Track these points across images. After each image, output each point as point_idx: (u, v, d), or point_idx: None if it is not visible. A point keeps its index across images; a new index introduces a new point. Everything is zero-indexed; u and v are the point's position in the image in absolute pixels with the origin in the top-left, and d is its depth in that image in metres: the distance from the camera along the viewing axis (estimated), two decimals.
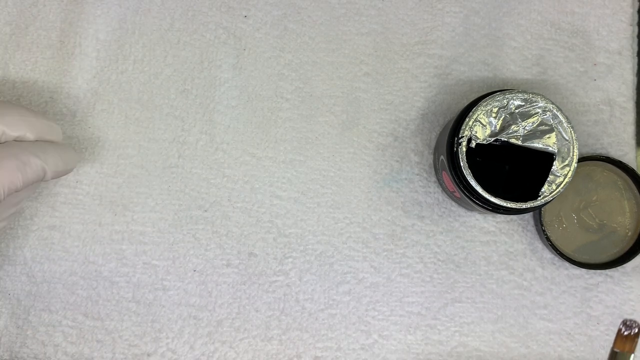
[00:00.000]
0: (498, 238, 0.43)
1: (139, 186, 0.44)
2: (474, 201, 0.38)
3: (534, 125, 0.37)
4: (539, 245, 0.43)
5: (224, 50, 0.45)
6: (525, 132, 0.37)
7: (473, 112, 0.37)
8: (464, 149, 0.37)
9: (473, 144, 0.37)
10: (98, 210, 0.43)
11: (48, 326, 0.42)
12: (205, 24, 0.46)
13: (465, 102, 0.40)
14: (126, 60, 0.45)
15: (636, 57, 0.45)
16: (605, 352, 0.42)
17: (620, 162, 0.42)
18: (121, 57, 0.45)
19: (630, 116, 0.44)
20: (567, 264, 0.42)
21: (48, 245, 0.43)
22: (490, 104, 0.37)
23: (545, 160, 0.37)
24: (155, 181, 0.44)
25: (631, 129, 0.44)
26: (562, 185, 0.37)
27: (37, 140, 0.37)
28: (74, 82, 0.45)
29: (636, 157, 0.44)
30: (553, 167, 0.37)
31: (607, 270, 0.43)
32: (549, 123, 0.37)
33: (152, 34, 0.45)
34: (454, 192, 0.40)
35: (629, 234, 0.42)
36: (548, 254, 0.43)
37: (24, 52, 0.45)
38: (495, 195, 0.37)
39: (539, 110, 0.37)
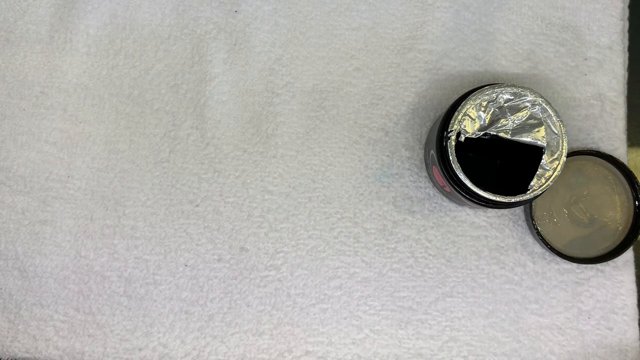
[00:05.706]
0: (489, 233, 0.43)
1: (130, 181, 0.44)
2: (463, 195, 0.38)
3: (523, 119, 0.37)
4: (530, 239, 0.43)
5: (215, 45, 0.45)
6: (515, 125, 0.37)
7: (462, 106, 0.37)
8: (453, 143, 0.37)
9: (462, 138, 0.37)
10: (89, 205, 0.43)
11: (39, 320, 0.42)
12: (196, 19, 0.46)
13: (456, 97, 0.40)
14: (117, 56, 0.45)
15: (627, 52, 0.45)
16: (597, 346, 0.42)
17: (611, 156, 0.42)
18: (112, 52, 0.45)
19: (621, 111, 0.44)
20: (558, 258, 0.42)
21: (39, 240, 0.43)
22: (479, 98, 0.37)
23: (534, 154, 0.37)
24: (146, 176, 0.44)
25: (622, 124, 0.44)
26: (551, 179, 0.37)
27: None
28: (65, 77, 0.45)
29: (627, 151, 0.44)
30: (542, 160, 0.37)
31: (598, 265, 0.43)
32: (538, 117, 0.37)
33: (142, 29, 0.45)
34: (444, 186, 0.40)
35: (620, 228, 0.42)
36: (539, 249, 0.43)
37: (12, 46, 0.45)
38: (485, 190, 0.37)
39: (528, 104, 0.37)
